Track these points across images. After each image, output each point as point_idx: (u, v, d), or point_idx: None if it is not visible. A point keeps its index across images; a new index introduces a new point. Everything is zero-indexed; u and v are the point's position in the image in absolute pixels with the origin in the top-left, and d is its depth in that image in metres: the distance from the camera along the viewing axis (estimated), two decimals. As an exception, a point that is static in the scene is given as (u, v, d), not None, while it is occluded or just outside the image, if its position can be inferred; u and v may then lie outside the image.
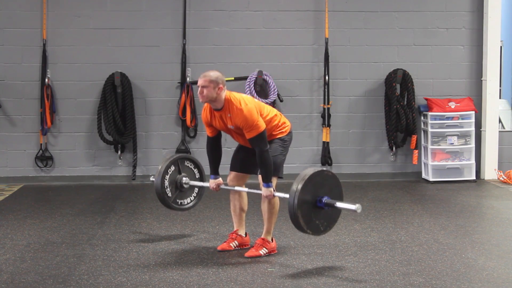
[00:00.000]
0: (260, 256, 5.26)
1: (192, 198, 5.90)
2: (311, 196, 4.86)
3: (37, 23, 8.63)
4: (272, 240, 5.39)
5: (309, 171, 4.93)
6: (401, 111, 8.74)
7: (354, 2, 8.94)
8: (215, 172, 5.47)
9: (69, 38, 8.71)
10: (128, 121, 8.63)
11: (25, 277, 4.75)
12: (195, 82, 8.71)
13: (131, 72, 8.70)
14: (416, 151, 8.85)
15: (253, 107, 5.09)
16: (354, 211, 4.86)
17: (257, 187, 5.29)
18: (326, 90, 8.85)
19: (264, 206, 5.29)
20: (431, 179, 8.76)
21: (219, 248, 5.46)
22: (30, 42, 8.64)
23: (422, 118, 9.01)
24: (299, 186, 4.79)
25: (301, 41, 8.91)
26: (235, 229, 5.54)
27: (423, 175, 8.99)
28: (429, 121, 8.79)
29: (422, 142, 9.00)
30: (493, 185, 8.64)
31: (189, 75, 8.72)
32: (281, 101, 8.77)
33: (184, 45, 8.78)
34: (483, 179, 9.03)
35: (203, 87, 5.08)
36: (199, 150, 8.62)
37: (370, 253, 5.38)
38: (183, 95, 8.68)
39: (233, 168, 5.47)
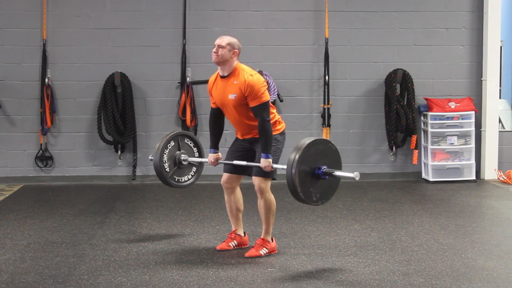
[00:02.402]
0: (260, 256, 5.26)
1: (189, 176, 5.88)
2: (309, 164, 4.85)
3: (37, 23, 8.63)
4: (272, 240, 5.39)
5: (309, 139, 4.94)
6: (401, 111, 8.74)
7: (354, 2, 8.94)
8: (214, 147, 5.47)
9: (69, 38, 8.71)
10: (128, 121, 8.63)
11: (25, 277, 4.75)
12: (195, 82, 8.73)
13: (131, 72, 8.70)
14: (416, 151, 8.85)
15: (261, 79, 5.19)
16: (353, 178, 4.85)
17: (252, 187, 5.29)
18: (326, 90, 8.85)
19: (260, 205, 5.28)
20: (431, 179, 8.76)
21: (218, 247, 5.46)
22: (30, 42, 8.64)
23: (422, 118, 9.00)
24: (297, 156, 4.79)
25: (301, 41, 8.91)
26: (233, 229, 5.54)
27: (423, 175, 8.99)
28: (429, 121, 8.79)
29: (422, 142, 9.00)
30: (493, 185, 8.64)
31: (189, 75, 8.72)
32: (281, 101, 8.77)
33: (184, 45, 8.78)
34: (483, 179, 9.03)
35: (220, 47, 5.14)
36: (199, 150, 8.61)
37: (370, 253, 5.38)
38: (183, 95, 8.68)
39: (226, 169, 5.46)
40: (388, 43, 9.00)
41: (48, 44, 8.67)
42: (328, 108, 8.83)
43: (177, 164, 5.76)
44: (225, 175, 5.44)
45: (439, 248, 5.52)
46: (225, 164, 5.46)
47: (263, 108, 5.11)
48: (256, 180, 5.24)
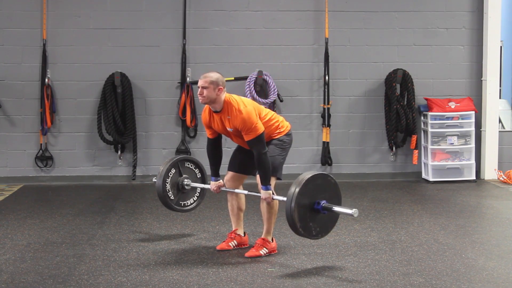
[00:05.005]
0: (260, 256, 5.26)
1: (194, 198, 5.91)
2: (308, 199, 4.86)
3: (37, 23, 8.63)
4: (272, 240, 5.39)
5: (309, 173, 4.94)
6: (401, 111, 8.74)
7: (354, 2, 8.94)
8: (215, 174, 5.48)
9: (69, 38, 8.71)
10: (128, 121, 8.63)
11: (25, 277, 4.75)
12: (195, 82, 8.73)
13: (131, 72, 8.70)
14: (416, 151, 8.85)
15: (252, 110, 5.11)
16: (351, 215, 4.84)
17: (255, 187, 5.29)
18: (326, 90, 8.85)
19: (263, 207, 5.29)
20: (431, 179, 8.76)
21: (218, 247, 5.47)
22: (30, 42, 8.64)
23: (422, 118, 9.00)
24: (297, 190, 4.80)
25: (301, 41, 8.91)
26: (233, 228, 5.55)
27: (423, 175, 8.99)
28: (429, 121, 8.79)
29: (422, 142, 9.00)
30: (493, 185, 8.64)
31: (189, 75, 8.72)
32: (281, 101, 8.78)
33: (184, 45, 8.78)
34: (483, 179, 9.03)
35: (203, 88, 5.10)
36: (199, 150, 8.62)
37: (370, 253, 5.38)
38: (183, 95, 8.68)
39: (231, 168, 5.48)
40: (388, 43, 9.00)
41: (48, 44, 8.67)
42: (328, 108, 8.83)
43: (180, 189, 5.77)
44: (229, 173, 5.46)
45: (439, 248, 5.52)
46: (230, 162, 5.50)
47: (258, 141, 5.09)
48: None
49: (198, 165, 5.92)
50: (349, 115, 9.02)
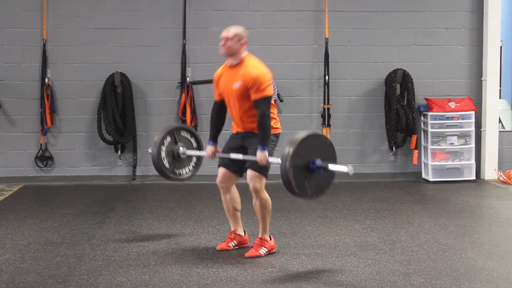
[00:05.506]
0: (260, 256, 5.26)
1: (190, 168, 5.83)
2: (303, 158, 4.81)
3: (37, 23, 8.63)
4: (270, 238, 5.38)
5: (303, 133, 4.90)
6: (401, 111, 8.74)
7: (354, 2, 8.94)
8: (213, 139, 5.45)
9: (69, 38, 8.71)
10: (128, 121, 8.63)
11: (25, 277, 4.75)
12: (195, 82, 8.74)
13: (131, 72, 8.70)
14: (416, 151, 8.85)
15: (268, 74, 5.17)
16: (346, 173, 4.80)
17: (246, 187, 5.27)
18: (326, 90, 8.85)
19: (256, 205, 5.26)
20: (431, 179, 8.76)
21: (218, 247, 5.47)
22: (30, 42, 8.64)
23: (422, 118, 9.00)
24: (291, 149, 4.75)
25: (301, 41, 8.91)
26: (232, 229, 5.54)
27: (423, 175, 8.99)
28: (429, 121, 8.79)
29: (422, 142, 9.00)
30: (493, 185, 8.64)
31: (189, 75, 8.72)
32: (281, 101, 8.78)
33: (184, 45, 8.78)
34: (483, 179, 9.03)
35: (227, 39, 5.11)
36: (199, 150, 8.62)
37: (370, 253, 5.38)
38: (183, 95, 8.68)
39: (222, 164, 5.40)
40: (388, 43, 9.00)
41: (48, 44, 8.67)
42: (328, 108, 8.83)
43: (176, 158, 5.72)
44: (220, 173, 5.40)
45: (439, 248, 5.52)
46: (220, 158, 5.44)
47: (265, 102, 5.10)
48: (250, 178, 5.18)
49: (193, 134, 5.86)
50: (349, 115, 9.02)
